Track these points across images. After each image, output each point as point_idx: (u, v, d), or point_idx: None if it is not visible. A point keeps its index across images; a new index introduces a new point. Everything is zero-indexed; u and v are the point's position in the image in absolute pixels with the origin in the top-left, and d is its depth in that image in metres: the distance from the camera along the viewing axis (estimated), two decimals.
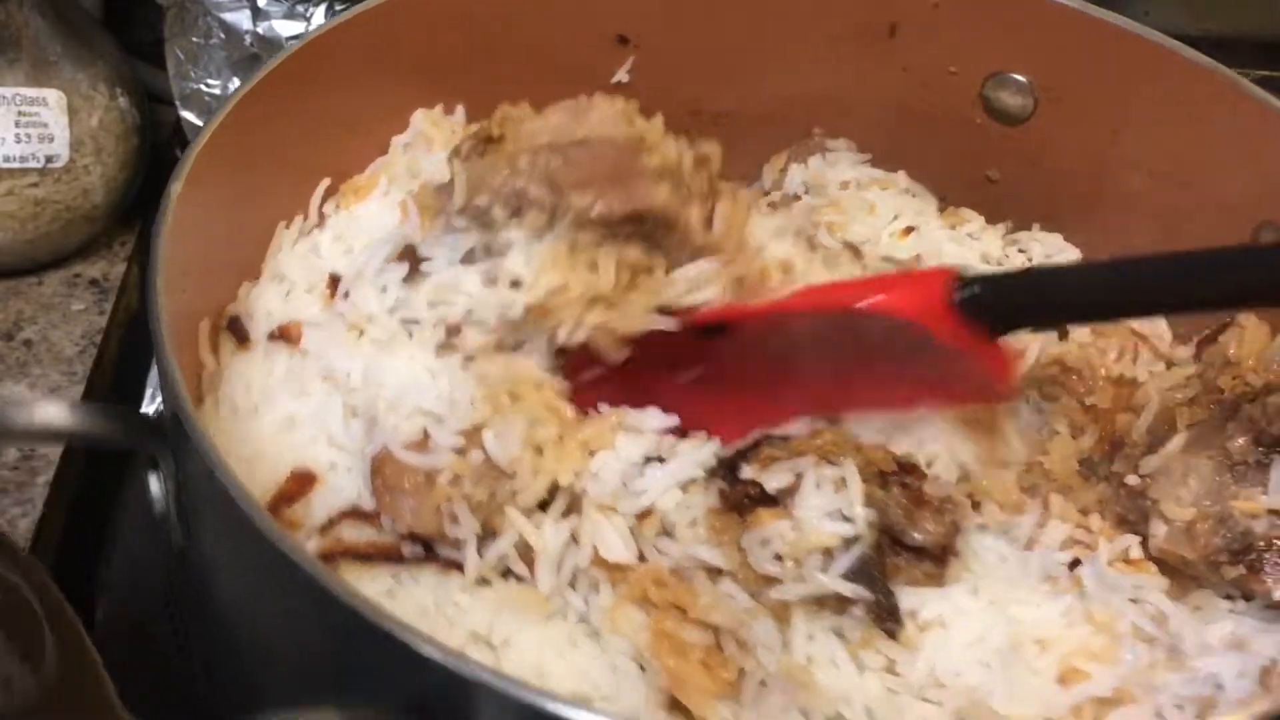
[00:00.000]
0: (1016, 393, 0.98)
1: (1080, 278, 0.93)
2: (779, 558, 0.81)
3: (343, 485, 0.91)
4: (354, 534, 0.88)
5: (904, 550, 0.83)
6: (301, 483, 0.91)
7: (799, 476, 0.83)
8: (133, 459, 1.21)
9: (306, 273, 1.02)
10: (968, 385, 0.91)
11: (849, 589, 0.80)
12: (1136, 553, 0.92)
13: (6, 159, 1.21)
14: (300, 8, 1.42)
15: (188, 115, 1.41)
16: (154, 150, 1.37)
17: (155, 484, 0.83)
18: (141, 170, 1.34)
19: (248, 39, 1.41)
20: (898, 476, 0.85)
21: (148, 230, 1.31)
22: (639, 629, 0.84)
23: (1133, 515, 0.95)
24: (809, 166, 1.23)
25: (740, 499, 0.84)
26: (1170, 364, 1.06)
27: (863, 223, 1.16)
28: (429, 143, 1.12)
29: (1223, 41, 1.11)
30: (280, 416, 0.94)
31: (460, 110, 1.16)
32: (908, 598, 0.83)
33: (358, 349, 0.95)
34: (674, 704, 0.82)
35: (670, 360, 0.93)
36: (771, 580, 0.82)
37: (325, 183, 1.08)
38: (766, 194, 1.23)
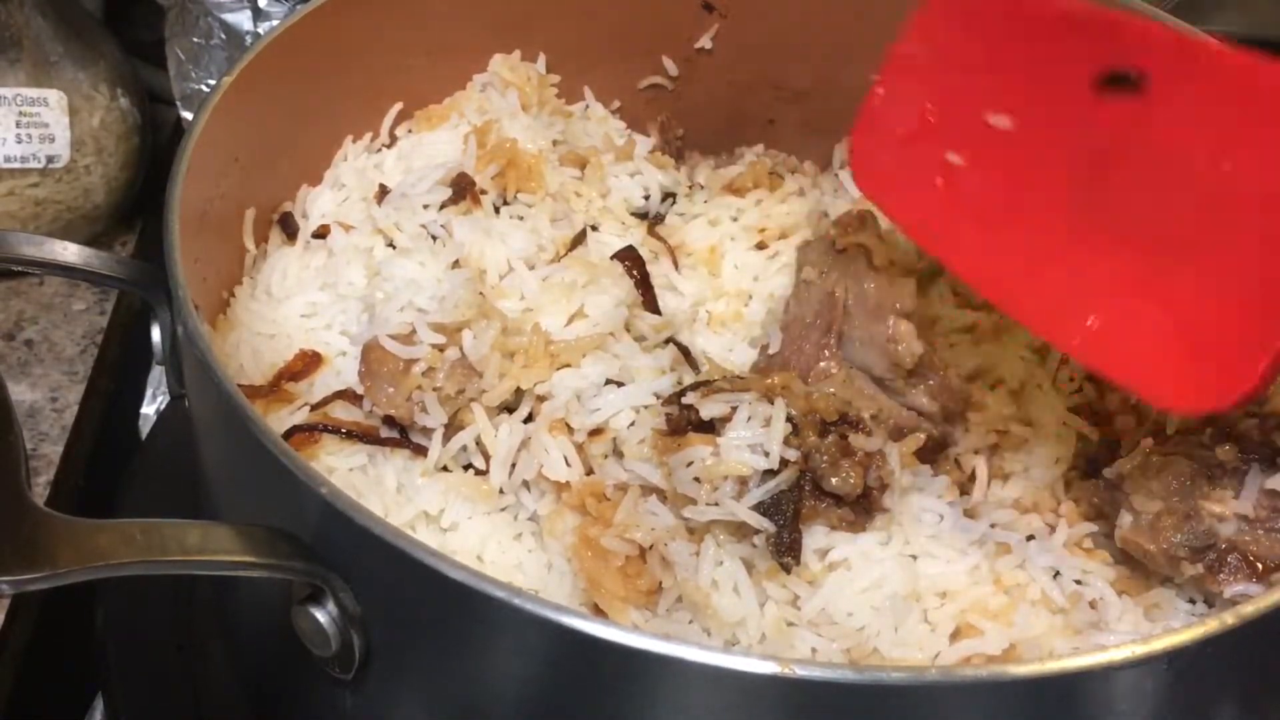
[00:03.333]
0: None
1: None
2: (698, 480, 0.85)
3: (346, 370, 0.98)
4: (342, 413, 0.95)
5: (825, 495, 0.85)
6: (307, 362, 0.98)
7: (734, 409, 0.86)
8: (130, 465, 1.22)
9: (364, 185, 1.10)
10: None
11: (754, 519, 0.83)
12: (1089, 542, 0.93)
13: (7, 159, 1.23)
14: (301, 8, 1.46)
15: (188, 115, 1.42)
16: (154, 150, 1.39)
17: (156, 332, 0.91)
18: (142, 170, 1.36)
19: (248, 39, 1.43)
20: (838, 427, 0.87)
21: (148, 230, 1.41)
22: (568, 532, 0.88)
23: (1106, 507, 0.96)
24: None
25: (681, 424, 0.88)
26: None
27: None
28: (505, 86, 1.18)
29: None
30: (304, 303, 1.02)
31: (541, 59, 1.21)
32: (820, 538, 0.85)
33: (382, 251, 1.02)
34: (594, 608, 0.87)
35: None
36: (691, 501, 0.85)
37: (398, 106, 1.15)
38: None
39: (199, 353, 0.79)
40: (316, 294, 1.02)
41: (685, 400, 0.88)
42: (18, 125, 1.22)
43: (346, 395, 0.96)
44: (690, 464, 0.85)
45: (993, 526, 0.91)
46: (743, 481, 0.84)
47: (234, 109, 0.97)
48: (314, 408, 0.95)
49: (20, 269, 0.83)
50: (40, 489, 1.14)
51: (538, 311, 0.97)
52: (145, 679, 1.06)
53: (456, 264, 0.99)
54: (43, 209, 1.27)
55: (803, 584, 0.84)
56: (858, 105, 1.23)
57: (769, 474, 0.84)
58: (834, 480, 0.84)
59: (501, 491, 0.91)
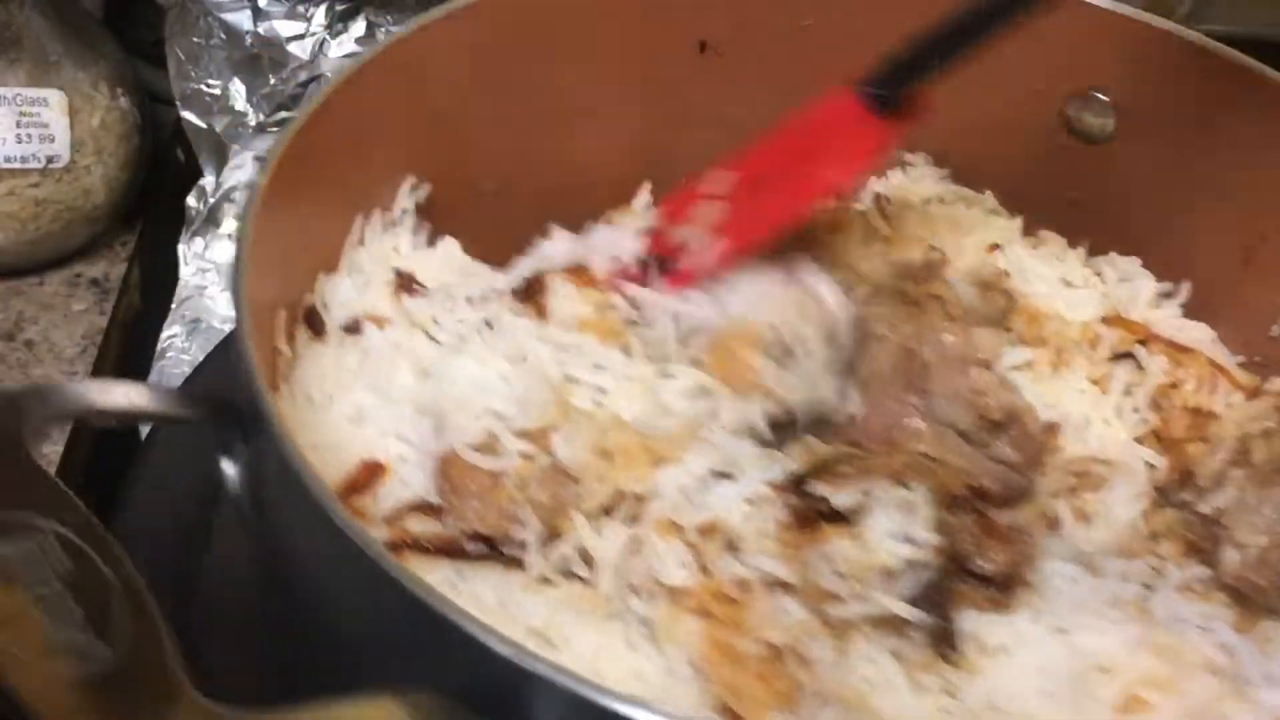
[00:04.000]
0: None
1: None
2: (841, 575, 0.81)
3: (409, 478, 0.92)
4: (419, 527, 0.89)
5: (970, 577, 0.83)
6: (371, 473, 0.92)
7: (869, 495, 0.83)
8: (131, 466, 1.18)
9: (383, 268, 1.03)
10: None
11: (908, 611, 0.80)
12: (1203, 583, 0.91)
13: (7, 159, 1.21)
14: (301, 8, 1.43)
15: (188, 115, 1.41)
16: (154, 150, 1.38)
17: (228, 467, 0.83)
18: (142, 170, 1.35)
19: (248, 39, 1.41)
20: (969, 501, 0.84)
21: (148, 230, 1.39)
22: (694, 637, 0.84)
23: (1204, 543, 0.95)
24: (888, 179, 1.22)
25: (810, 515, 0.84)
26: (1250, 395, 1.05)
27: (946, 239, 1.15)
28: None
29: (1226, 41, 1.10)
30: (350, 408, 0.95)
31: None
32: (971, 623, 0.82)
33: (427, 347, 0.96)
34: (729, 712, 0.83)
35: None
36: (833, 597, 0.82)
37: (410, 180, 1.09)
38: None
39: (314, 495, 0.72)
40: (361, 396, 0.95)
41: (813, 490, 0.84)
42: (18, 125, 1.21)
43: (420, 508, 0.90)
44: (830, 559, 0.81)
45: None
46: (889, 573, 0.81)
47: (268, 209, 0.90)
48: (388, 523, 0.89)
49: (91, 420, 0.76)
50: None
51: (614, 404, 0.92)
52: None
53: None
54: (43, 209, 1.26)
55: (957, 672, 0.81)
56: None
57: (915, 563, 0.81)
58: (983, 563, 0.81)
59: (609, 600, 0.86)
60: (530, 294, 0.98)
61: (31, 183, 1.24)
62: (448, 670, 0.70)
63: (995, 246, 1.13)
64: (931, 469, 0.85)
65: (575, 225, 1.13)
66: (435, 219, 1.10)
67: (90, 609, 0.64)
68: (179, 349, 1.35)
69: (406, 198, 1.08)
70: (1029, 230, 1.18)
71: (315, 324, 0.99)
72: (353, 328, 0.99)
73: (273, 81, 1.45)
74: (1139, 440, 1.02)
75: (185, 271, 1.40)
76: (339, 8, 1.43)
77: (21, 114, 1.21)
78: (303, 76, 1.44)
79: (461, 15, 1.06)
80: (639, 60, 1.17)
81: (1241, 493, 0.94)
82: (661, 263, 1.01)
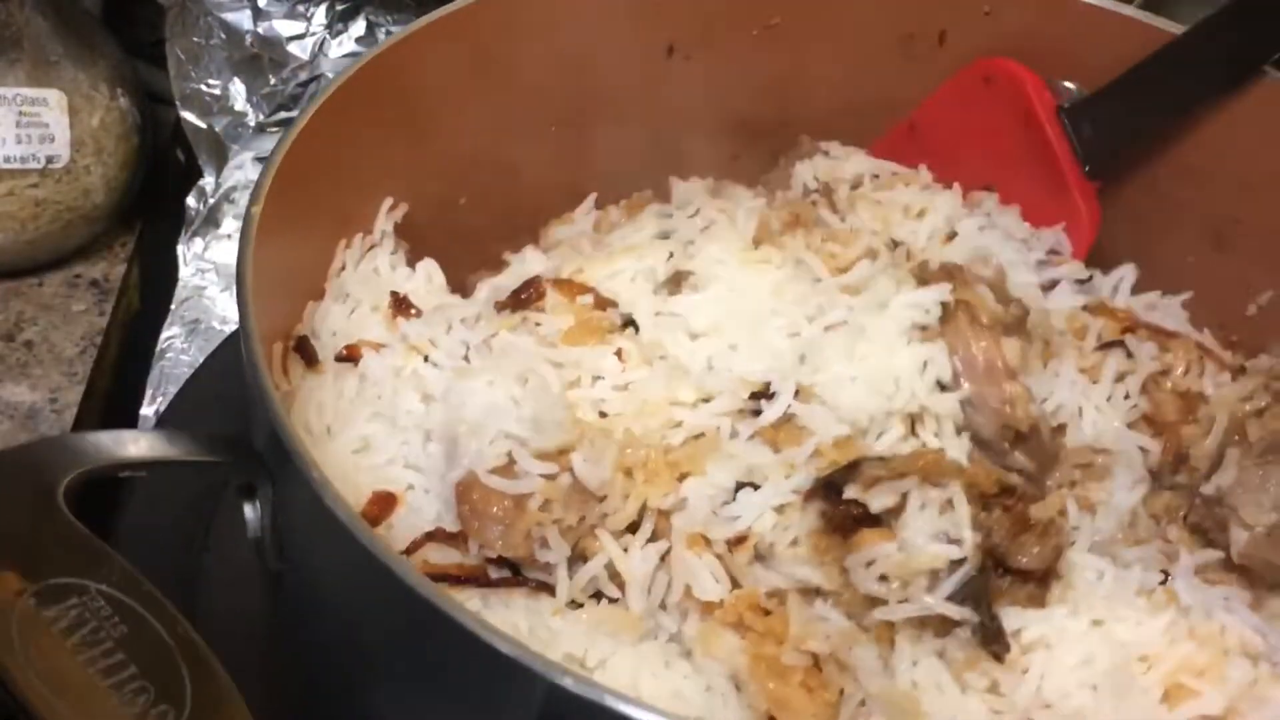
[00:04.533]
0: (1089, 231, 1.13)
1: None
2: (884, 579, 0.81)
3: (422, 506, 0.90)
4: (439, 556, 0.87)
5: (1008, 573, 0.83)
6: (384, 504, 0.90)
7: (904, 497, 0.83)
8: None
9: (370, 291, 1.01)
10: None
11: (956, 611, 0.80)
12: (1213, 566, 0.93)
13: (7, 159, 1.21)
14: (301, 8, 1.41)
15: (188, 115, 1.41)
16: (154, 150, 1.37)
17: (249, 510, 0.81)
18: (142, 170, 1.34)
19: (248, 39, 1.41)
20: (999, 499, 0.84)
21: (148, 231, 1.38)
22: (734, 652, 0.83)
23: (1208, 524, 0.96)
24: (814, 163, 1.21)
25: (843, 519, 0.83)
26: (1235, 375, 1.06)
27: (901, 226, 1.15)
28: None
29: None
30: (354, 438, 0.93)
31: None
32: (1010, 619, 0.82)
33: (430, 372, 0.94)
34: None
35: None
36: (875, 601, 0.81)
37: (389, 201, 1.06)
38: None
39: (356, 535, 0.70)
40: (366, 426, 0.93)
41: (847, 494, 0.83)
42: (17, 125, 1.21)
43: (438, 536, 0.88)
44: (872, 562, 0.81)
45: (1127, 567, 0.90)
46: (933, 574, 0.81)
47: (259, 244, 0.87)
48: (407, 553, 0.87)
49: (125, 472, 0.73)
50: None
51: (626, 418, 0.90)
52: None
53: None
54: (42, 209, 1.25)
55: (1001, 670, 0.81)
56: (827, 134, 1.23)
57: (957, 562, 0.81)
58: (1021, 558, 0.81)
59: (642, 619, 0.85)
60: (523, 302, 0.97)
61: (31, 183, 1.23)
62: (490, 696, 0.68)
63: (951, 237, 1.13)
64: (960, 468, 0.85)
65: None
66: (411, 238, 1.09)
67: (150, 672, 0.61)
68: (179, 349, 1.33)
69: (385, 218, 1.06)
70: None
71: (308, 354, 0.97)
72: (348, 356, 0.96)
73: (273, 81, 1.43)
74: (1130, 426, 1.03)
75: (185, 272, 1.38)
76: (339, 8, 1.42)
77: (21, 114, 1.20)
78: (303, 76, 1.42)
79: (431, 31, 1.05)
80: (608, 66, 1.15)
81: (1242, 472, 0.95)
82: None
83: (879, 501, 0.82)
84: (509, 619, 0.85)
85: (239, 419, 0.83)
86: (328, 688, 0.88)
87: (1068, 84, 1.15)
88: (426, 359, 0.96)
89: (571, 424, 0.88)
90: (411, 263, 1.06)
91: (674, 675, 0.85)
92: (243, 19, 1.40)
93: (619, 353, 0.95)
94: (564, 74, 1.14)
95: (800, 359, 0.94)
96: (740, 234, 1.03)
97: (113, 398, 1.28)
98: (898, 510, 0.82)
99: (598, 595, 0.87)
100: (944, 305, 0.94)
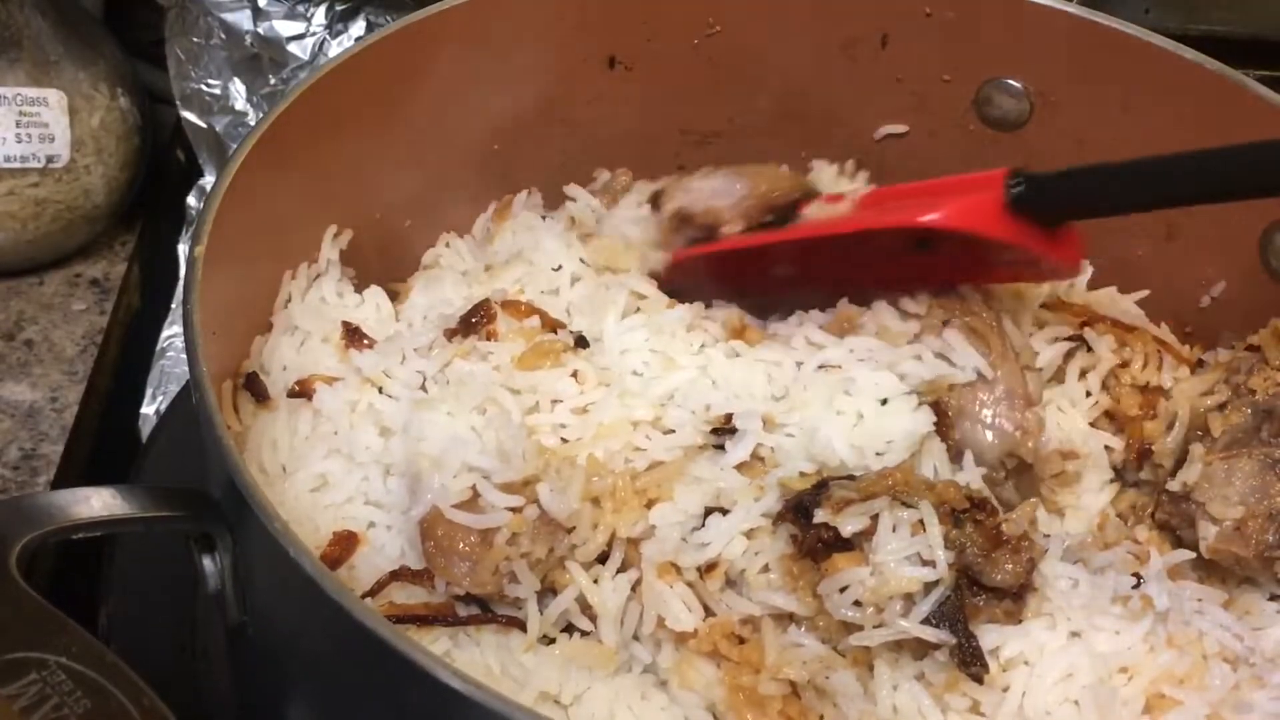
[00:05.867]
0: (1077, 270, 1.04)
1: (1116, 172, 0.96)
2: (858, 604, 0.80)
3: (385, 545, 0.89)
4: (405, 596, 0.86)
5: (982, 590, 0.82)
6: (345, 544, 0.88)
7: (874, 519, 0.81)
8: (131, 466, 1.20)
9: (319, 322, 0.99)
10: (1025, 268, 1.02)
11: (933, 634, 0.79)
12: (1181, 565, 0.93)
13: (7, 159, 1.21)
14: (301, 8, 1.41)
15: (188, 115, 1.41)
16: (154, 150, 1.37)
17: (209, 563, 0.79)
18: (142, 170, 1.34)
19: (248, 39, 1.41)
20: (970, 514, 0.83)
21: (148, 230, 1.38)
22: (710, 683, 0.82)
23: (1176, 521, 0.96)
24: None
25: (814, 544, 0.82)
26: (1194, 369, 1.07)
27: None
28: None
29: (1222, 40, 1.11)
30: (312, 476, 0.91)
31: None
32: (988, 636, 0.81)
33: (386, 405, 0.92)
34: None
35: (759, 264, 1.03)
36: (851, 627, 0.80)
37: (332, 229, 1.04)
38: None
39: (316, 580, 0.68)
40: (323, 463, 0.91)
41: (816, 518, 0.82)
42: (18, 125, 1.21)
43: (403, 575, 0.86)
44: (846, 588, 0.80)
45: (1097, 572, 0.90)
46: (907, 597, 0.80)
47: (207, 282, 0.85)
48: (371, 595, 0.85)
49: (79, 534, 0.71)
50: (40, 489, 1.13)
51: (586, 443, 0.89)
52: (146, 679, 0.94)
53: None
54: (43, 209, 1.25)
55: (981, 689, 0.80)
56: (769, 137, 1.21)
57: (929, 584, 0.80)
58: (995, 575, 0.81)
59: (616, 651, 0.84)
60: (474, 326, 0.95)
61: (31, 182, 1.23)
62: None
63: None
64: (929, 484, 0.84)
65: None
66: (355, 263, 1.07)
67: None
68: (179, 349, 1.32)
69: (330, 246, 1.04)
70: None
71: (258, 391, 0.95)
72: (300, 391, 0.94)
73: (273, 81, 1.43)
74: (1093, 424, 1.03)
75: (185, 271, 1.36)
76: (339, 8, 1.42)
77: (21, 114, 1.20)
78: (302, 77, 1.39)
79: (366, 55, 1.03)
80: (550, 81, 1.14)
81: (1207, 467, 0.95)
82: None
83: (850, 526, 0.81)
84: (480, 659, 0.84)
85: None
86: None
87: (1012, 82, 1.15)
88: (381, 391, 0.94)
89: (535, 453, 0.87)
90: (359, 289, 1.04)
91: (651, 708, 0.83)
92: (243, 19, 1.40)
93: (575, 374, 0.93)
94: (507, 89, 1.12)
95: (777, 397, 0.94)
96: None
97: (113, 397, 1.29)
98: (869, 533, 0.81)
99: (569, 629, 0.85)
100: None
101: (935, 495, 0.83)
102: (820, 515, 0.82)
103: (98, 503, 0.71)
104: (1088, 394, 1.04)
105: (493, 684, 0.81)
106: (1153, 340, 1.06)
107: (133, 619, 1.06)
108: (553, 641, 0.85)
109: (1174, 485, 0.96)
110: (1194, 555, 0.93)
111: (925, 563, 0.80)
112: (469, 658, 0.84)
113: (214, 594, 0.80)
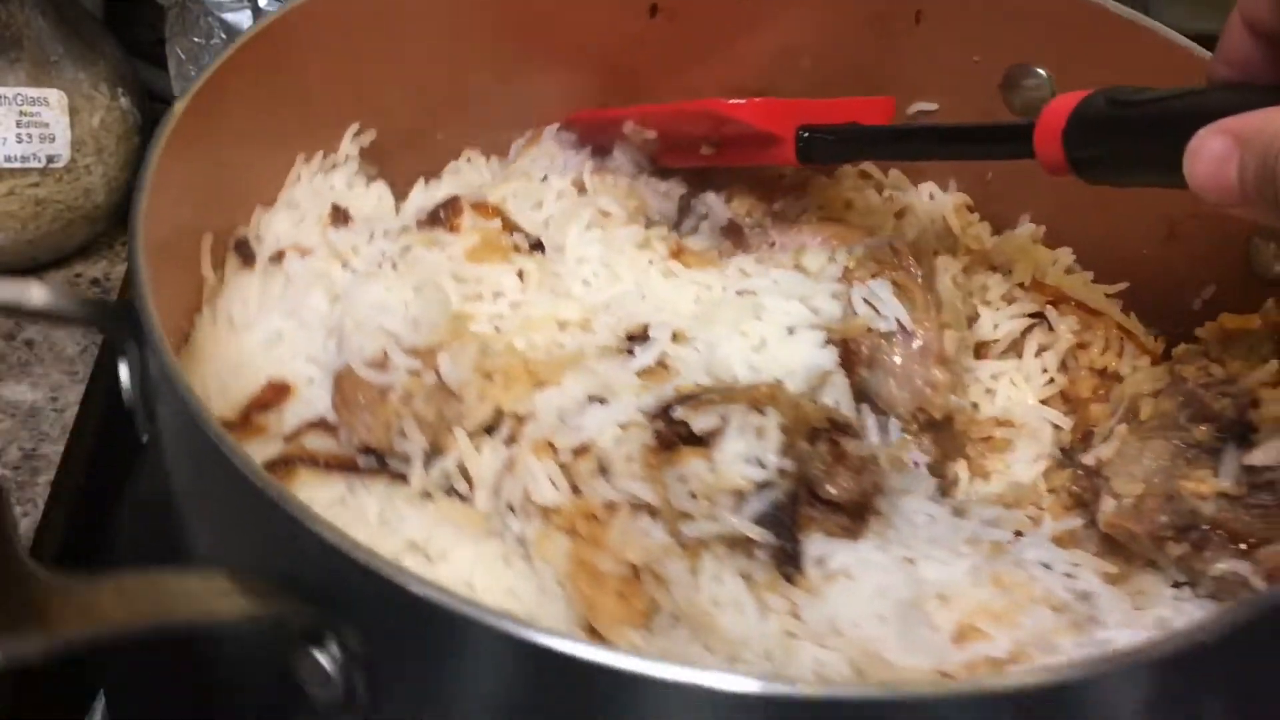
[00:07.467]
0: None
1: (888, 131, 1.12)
2: (694, 495, 0.84)
3: (315, 399, 0.96)
4: (317, 444, 0.93)
5: (820, 503, 0.85)
6: (276, 392, 0.96)
7: (725, 420, 0.85)
8: (131, 466, 1.15)
9: (319, 204, 1.08)
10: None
11: (754, 531, 0.82)
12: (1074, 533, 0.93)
13: (8, 159, 1.22)
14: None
15: None
16: None
17: (124, 372, 0.88)
18: None
19: None
20: (828, 433, 0.86)
21: None
22: (562, 555, 0.87)
23: (1087, 495, 0.97)
24: None
25: (671, 439, 0.87)
26: (1156, 360, 1.06)
27: None
28: None
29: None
30: (269, 331, 0.99)
31: None
32: (818, 546, 0.84)
33: (342, 275, 1.01)
34: (592, 629, 0.86)
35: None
36: (688, 517, 0.84)
37: (355, 126, 1.13)
38: None
39: (179, 395, 0.76)
40: (280, 321, 1.00)
41: (675, 414, 0.86)
42: (18, 125, 1.21)
43: (320, 425, 0.94)
44: (685, 479, 0.84)
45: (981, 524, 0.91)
46: (739, 495, 0.84)
47: (187, 137, 0.94)
48: (287, 440, 0.93)
49: None
50: (40, 489, 1.14)
51: (513, 335, 0.95)
52: (147, 679, 1.02)
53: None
54: (43, 209, 1.26)
55: (802, 594, 0.83)
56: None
57: (765, 486, 0.84)
58: (830, 488, 0.84)
59: (487, 517, 0.90)
60: (441, 220, 1.02)
61: (31, 182, 1.24)
62: (278, 551, 0.73)
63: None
64: (795, 402, 0.88)
65: None
66: (382, 162, 1.15)
67: None
68: None
69: (350, 143, 1.12)
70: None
71: (245, 254, 1.04)
72: (279, 257, 1.03)
73: None
74: (1045, 402, 1.04)
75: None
76: None
77: (21, 114, 1.21)
78: None
79: None
80: (592, 22, 1.20)
81: (1123, 444, 0.95)
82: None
83: (700, 423, 0.85)
84: (366, 505, 0.91)
85: None
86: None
87: (1039, 70, 1.16)
88: (346, 266, 1.02)
89: (449, 328, 0.93)
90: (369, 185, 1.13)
91: (510, 573, 0.89)
92: (243, 19, 1.40)
93: (520, 274, 0.99)
94: (548, 23, 1.19)
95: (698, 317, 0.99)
96: None
97: (114, 396, 1.21)
98: (719, 432, 0.85)
99: (453, 493, 0.92)
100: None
101: (795, 411, 0.86)
102: (678, 413, 0.86)
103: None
104: (1044, 371, 1.05)
105: (367, 528, 0.89)
106: (1116, 327, 1.06)
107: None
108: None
109: (1088, 459, 0.97)
110: (1081, 523, 0.94)
111: (760, 464, 0.83)
112: (359, 503, 0.90)
113: (128, 404, 0.89)
